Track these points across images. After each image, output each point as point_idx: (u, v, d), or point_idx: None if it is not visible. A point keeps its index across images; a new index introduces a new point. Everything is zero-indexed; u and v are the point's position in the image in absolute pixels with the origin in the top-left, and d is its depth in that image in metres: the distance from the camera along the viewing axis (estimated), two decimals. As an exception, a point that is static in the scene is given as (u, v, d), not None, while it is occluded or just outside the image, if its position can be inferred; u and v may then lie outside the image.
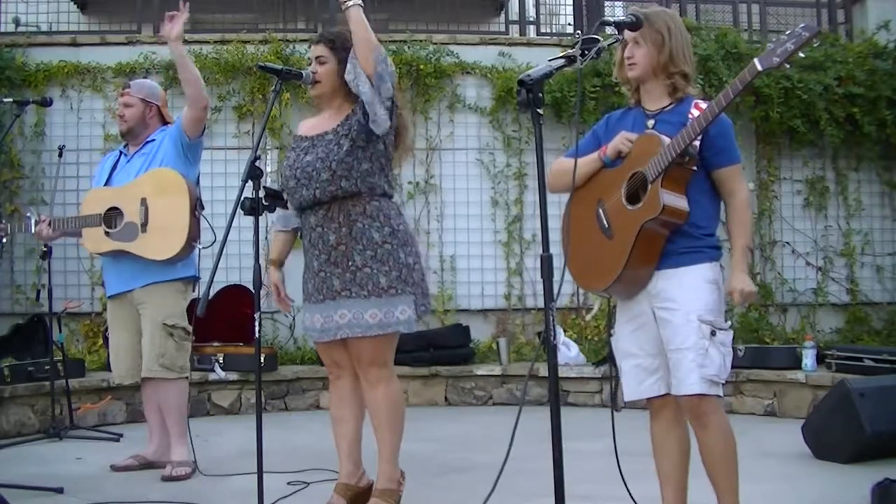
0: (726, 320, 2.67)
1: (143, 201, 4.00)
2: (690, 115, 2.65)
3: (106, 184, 4.19)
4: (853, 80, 6.82)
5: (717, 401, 2.64)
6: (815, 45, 2.52)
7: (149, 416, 4.25)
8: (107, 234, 4.05)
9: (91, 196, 4.19)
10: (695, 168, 2.65)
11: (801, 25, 2.46)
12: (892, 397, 4.20)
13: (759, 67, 2.47)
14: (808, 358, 5.67)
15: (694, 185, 2.66)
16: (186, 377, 4.12)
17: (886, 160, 7.33)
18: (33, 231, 4.20)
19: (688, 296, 2.61)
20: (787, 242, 7.22)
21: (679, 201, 2.62)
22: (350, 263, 3.18)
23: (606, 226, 2.74)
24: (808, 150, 7.22)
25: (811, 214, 7.28)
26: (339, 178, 3.18)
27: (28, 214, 4.35)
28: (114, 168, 4.24)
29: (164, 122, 4.30)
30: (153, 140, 4.19)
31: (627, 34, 2.71)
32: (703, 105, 2.65)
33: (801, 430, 4.44)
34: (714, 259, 2.70)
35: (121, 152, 4.31)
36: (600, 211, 2.77)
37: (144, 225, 3.99)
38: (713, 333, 2.58)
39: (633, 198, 2.68)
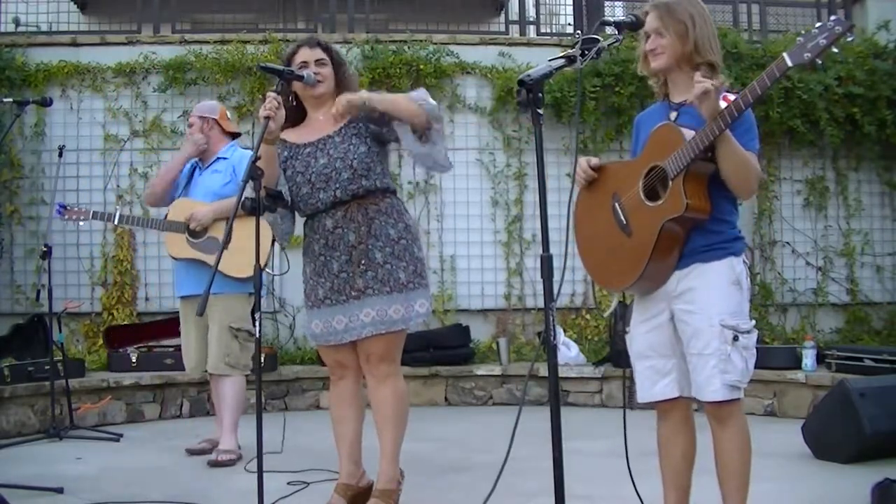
0: (750, 318, 2.60)
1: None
2: None
3: (182, 193, 4.61)
4: (853, 80, 6.81)
5: (739, 403, 2.60)
6: (849, 39, 2.33)
7: (217, 407, 4.67)
8: (189, 242, 4.47)
9: (179, 204, 4.57)
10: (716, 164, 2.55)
11: (833, 19, 2.31)
12: (892, 397, 4.20)
13: (789, 63, 2.33)
14: (808, 358, 5.66)
15: (713, 177, 2.56)
16: (246, 375, 4.55)
17: (886, 160, 7.32)
18: (116, 223, 4.92)
19: (710, 299, 2.56)
20: (787, 242, 7.22)
21: (702, 198, 2.54)
22: (371, 261, 3.21)
23: (624, 222, 2.67)
24: (807, 150, 7.20)
25: (811, 214, 7.27)
26: (360, 177, 3.22)
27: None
28: (190, 178, 4.63)
29: (232, 136, 4.71)
30: (225, 158, 4.59)
31: (650, 25, 2.65)
32: (731, 97, 2.54)
33: (801, 430, 4.44)
34: (736, 253, 2.62)
35: (195, 164, 4.67)
36: (616, 206, 2.70)
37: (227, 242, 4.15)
38: (735, 338, 2.53)
39: (651, 192, 2.60)
